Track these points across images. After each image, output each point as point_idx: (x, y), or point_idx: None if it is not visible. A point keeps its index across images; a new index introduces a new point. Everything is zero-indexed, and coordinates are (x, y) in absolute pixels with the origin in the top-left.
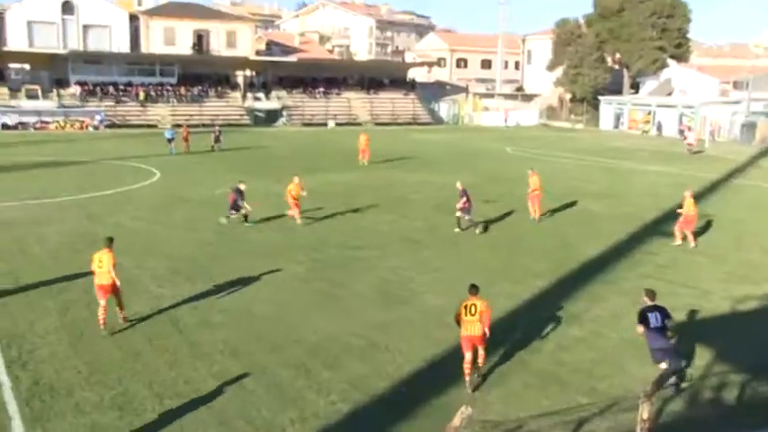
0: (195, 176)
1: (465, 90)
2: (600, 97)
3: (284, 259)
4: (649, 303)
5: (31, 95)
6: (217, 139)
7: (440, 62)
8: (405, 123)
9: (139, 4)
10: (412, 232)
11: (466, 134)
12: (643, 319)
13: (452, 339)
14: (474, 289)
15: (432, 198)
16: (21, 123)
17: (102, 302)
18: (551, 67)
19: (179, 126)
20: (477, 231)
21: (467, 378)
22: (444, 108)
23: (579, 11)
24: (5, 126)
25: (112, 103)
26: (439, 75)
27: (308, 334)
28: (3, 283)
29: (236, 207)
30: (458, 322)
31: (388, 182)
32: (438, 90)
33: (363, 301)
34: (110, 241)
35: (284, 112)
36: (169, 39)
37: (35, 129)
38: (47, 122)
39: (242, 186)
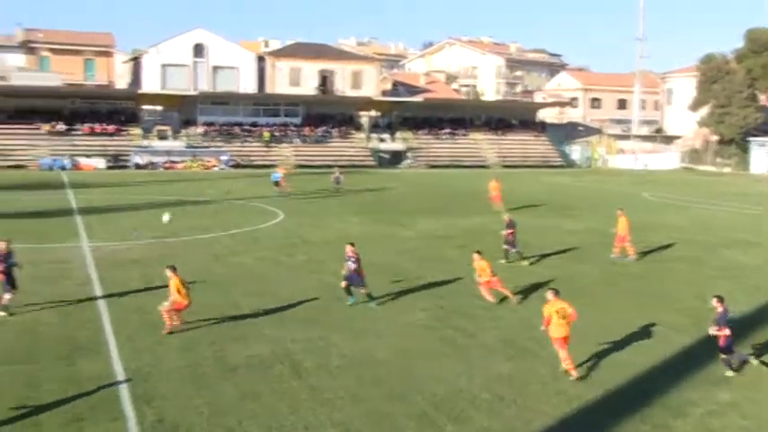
0: (318, 218)
1: (599, 131)
2: (751, 138)
3: (407, 304)
4: None
5: (162, 136)
6: (337, 181)
7: (572, 102)
8: (535, 166)
9: (266, 45)
10: (540, 279)
11: (599, 177)
12: None
13: (587, 395)
14: (557, 292)
15: (562, 244)
16: (151, 163)
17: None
18: (695, 106)
19: (301, 166)
20: (525, 263)
21: (574, 373)
22: (577, 150)
23: (725, 46)
24: (138, 166)
25: (238, 143)
26: (571, 115)
27: (431, 384)
28: (146, 319)
29: None
30: (547, 325)
31: (519, 227)
32: (570, 131)
33: (489, 351)
34: (173, 268)
35: (409, 154)
36: (294, 79)
37: (164, 168)
38: (175, 162)
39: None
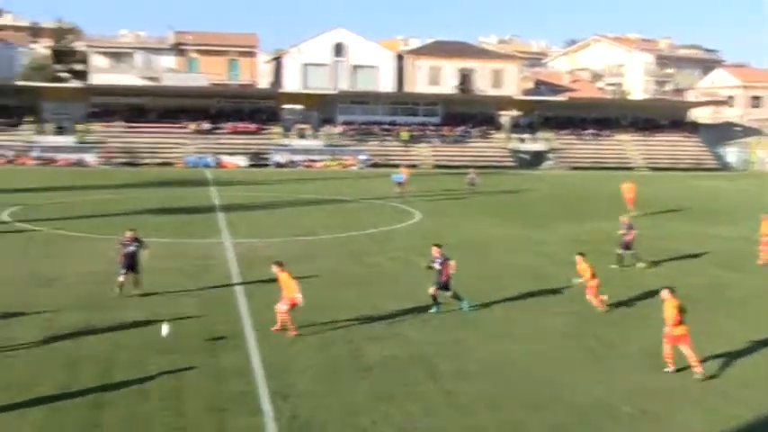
0: (455, 219)
1: (758, 132)
2: None
3: (545, 309)
4: None
5: (302, 135)
6: (472, 182)
7: (729, 101)
8: (686, 169)
9: (405, 44)
10: (689, 290)
11: (757, 182)
12: None
13: (744, 416)
14: (673, 290)
15: (714, 252)
16: (291, 161)
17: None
18: None
19: (412, 166)
20: (641, 266)
21: (699, 370)
22: (733, 152)
23: None
24: (278, 164)
25: (376, 143)
26: (727, 115)
27: (569, 394)
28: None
29: None
30: (676, 324)
31: (662, 232)
32: (726, 132)
33: (631, 361)
34: (280, 264)
35: (550, 155)
36: (433, 78)
37: (304, 167)
38: (314, 161)
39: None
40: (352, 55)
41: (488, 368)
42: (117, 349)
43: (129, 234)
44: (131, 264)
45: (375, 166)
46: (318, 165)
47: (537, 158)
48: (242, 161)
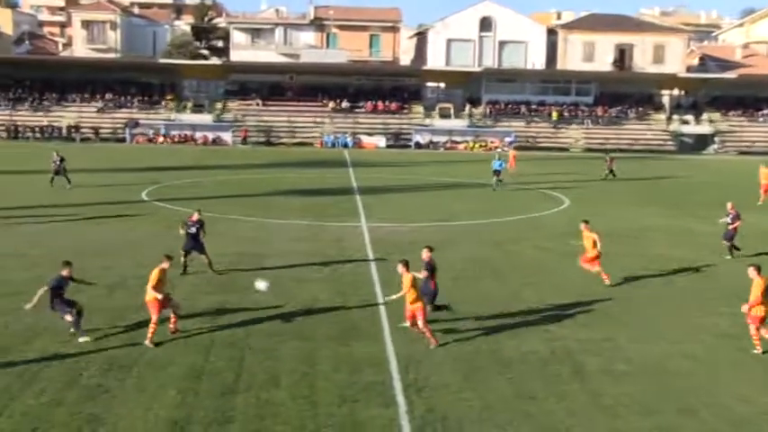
0: (606, 208)
1: None
2: None
3: (702, 308)
4: None
5: (444, 114)
6: (610, 168)
7: None
8: None
9: (558, 17)
10: None
11: None
12: None
13: None
14: (759, 268)
15: None
16: (432, 142)
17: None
18: None
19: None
20: (727, 257)
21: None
22: None
23: None
24: (418, 145)
25: (522, 124)
26: None
27: (729, 400)
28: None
29: None
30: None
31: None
32: None
33: None
34: (406, 264)
35: (716, 138)
36: (588, 54)
37: (445, 148)
38: (456, 142)
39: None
40: (500, 30)
41: (638, 369)
42: (249, 334)
43: (195, 216)
44: (194, 245)
45: (521, 148)
46: (461, 146)
47: (700, 142)
48: (381, 141)
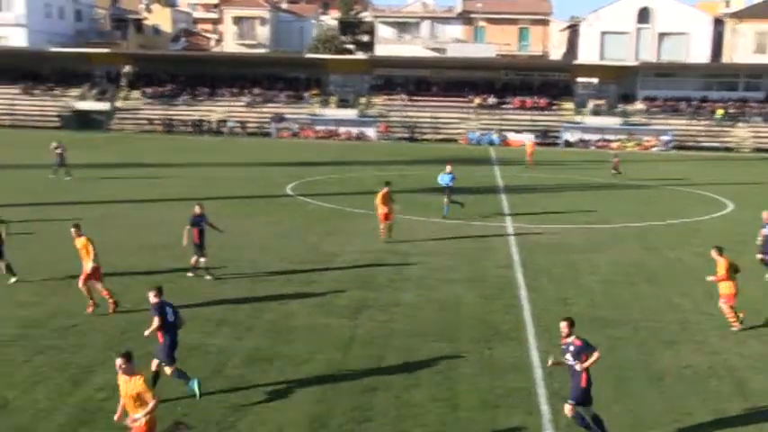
0: None
1: None
2: None
3: None
4: None
5: (596, 111)
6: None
7: None
8: None
9: (727, 5)
10: None
11: None
12: None
13: None
14: None
15: None
16: (582, 140)
17: None
18: None
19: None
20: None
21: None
22: None
23: None
24: (567, 143)
25: (682, 122)
26: None
27: None
28: (568, 311)
29: None
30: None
31: None
32: None
33: None
34: None
35: None
36: (760, 46)
37: (596, 147)
38: (608, 141)
39: None
40: (660, 21)
41: None
42: (390, 333)
43: (197, 209)
44: (201, 243)
45: (679, 148)
46: (613, 145)
47: None
48: (528, 139)
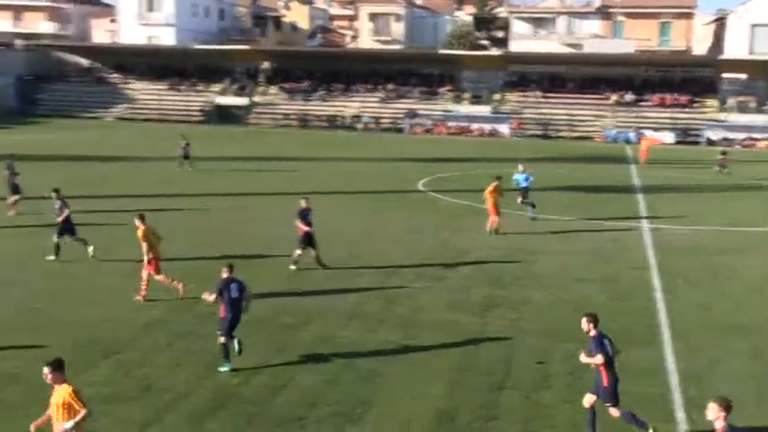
0: None
1: None
2: None
3: None
4: None
5: (743, 109)
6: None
7: None
8: None
9: None
10: None
11: None
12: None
13: None
14: None
15: None
16: (725, 139)
17: None
18: None
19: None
20: None
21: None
22: None
23: None
24: (710, 142)
25: None
26: None
27: None
28: (706, 316)
29: None
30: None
31: None
32: None
33: None
34: None
35: None
36: None
37: (742, 146)
38: (755, 139)
39: None
40: None
41: None
42: (519, 332)
43: (303, 203)
44: (310, 236)
45: None
46: (761, 144)
47: None
48: (668, 137)
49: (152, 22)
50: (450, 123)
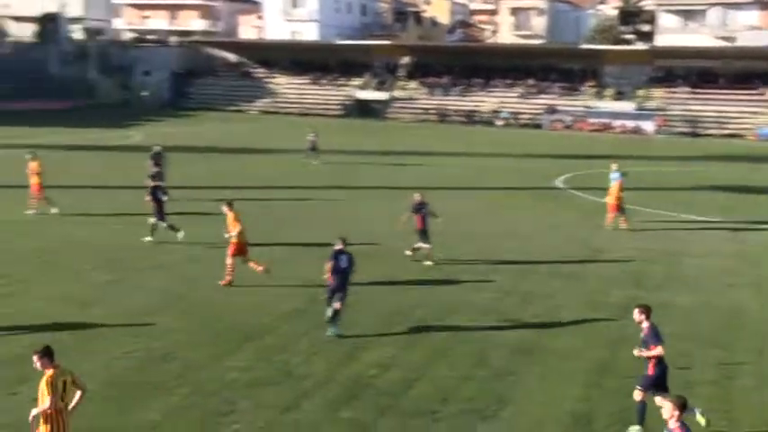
0: None
1: None
2: None
3: None
4: None
5: None
6: None
7: None
8: None
9: None
10: None
11: None
12: None
13: None
14: None
15: None
16: None
17: None
18: None
19: None
20: None
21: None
22: None
23: None
24: None
25: None
26: None
27: None
28: None
29: None
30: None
31: None
32: None
33: None
34: None
35: None
36: None
37: None
38: None
39: None
40: None
41: None
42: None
43: (417, 197)
44: (424, 230)
45: None
46: None
47: None
48: None
49: (296, 18)
50: (592, 120)
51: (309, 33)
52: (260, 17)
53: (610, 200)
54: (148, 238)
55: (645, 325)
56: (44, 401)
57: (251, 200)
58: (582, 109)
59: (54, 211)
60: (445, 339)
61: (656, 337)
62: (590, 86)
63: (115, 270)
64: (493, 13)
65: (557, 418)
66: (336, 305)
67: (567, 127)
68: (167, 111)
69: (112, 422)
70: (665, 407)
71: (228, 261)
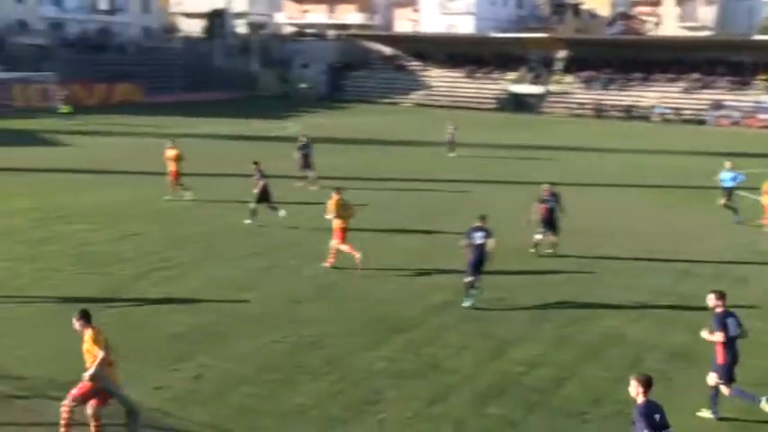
0: None
1: None
2: None
3: None
4: None
5: None
6: None
7: None
8: None
9: None
10: None
11: None
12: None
13: None
14: None
15: None
16: None
17: None
18: None
19: None
20: None
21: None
22: None
23: None
24: None
25: None
26: None
27: None
28: None
29: None
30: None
31: None
32: None
33: None
34: None
35: None
36: None
37: None
38: None
39: None
40: None
41: None
42: None
43: (546, 188)
44: (549, 221)
45: None
46: None
47: None
48: None
49: (452, 11)
50: (763, 116)
51: (465, 26)
52: (416, 10)
53: (765, 200)
54: (283, 213)
55: (719, 310)
56: (98, 354)
57: (390, 190)
58: (752, 104)
59: (188, 196)
60: (596, 339)
61: (720, 324)
62: (762, 80)
63: (269, 257)
64: (656, 4)
65: (714, 428)
66: (469, 279)
67: (735, 123)
68: (324, 103)
69: (264, 404)
70: (631, 384)
71: (343, 247)
